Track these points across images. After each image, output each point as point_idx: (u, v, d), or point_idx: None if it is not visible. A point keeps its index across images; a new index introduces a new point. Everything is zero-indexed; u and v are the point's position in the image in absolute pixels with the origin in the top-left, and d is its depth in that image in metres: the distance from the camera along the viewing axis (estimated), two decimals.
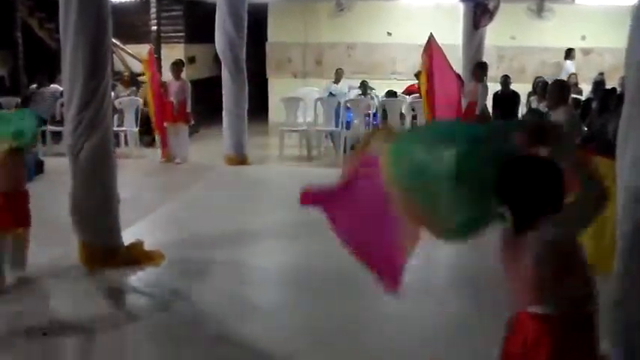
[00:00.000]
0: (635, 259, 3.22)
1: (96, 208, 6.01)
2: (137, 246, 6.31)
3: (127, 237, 6.42)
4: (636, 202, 3.17)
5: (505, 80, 12.38)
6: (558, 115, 7.43)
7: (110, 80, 6.10)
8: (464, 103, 10.35)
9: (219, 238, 7.12)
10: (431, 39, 9.96)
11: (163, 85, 11.35)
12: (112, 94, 11.27)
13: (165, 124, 11.21)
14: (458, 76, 10.46)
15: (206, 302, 5.41)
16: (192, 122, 11.70)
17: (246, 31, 10.75)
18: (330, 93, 12.81)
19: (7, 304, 5.31)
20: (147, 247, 6.41)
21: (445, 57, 10.06)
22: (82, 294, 5.60)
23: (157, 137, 11.58)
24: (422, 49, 10.14)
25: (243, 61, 10.85)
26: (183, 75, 11.58)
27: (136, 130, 12.00)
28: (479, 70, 10.66)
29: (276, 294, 5.89)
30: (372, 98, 12.43)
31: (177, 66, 11.44)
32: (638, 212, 3.17)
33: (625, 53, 3.25)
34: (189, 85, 11.49)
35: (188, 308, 5.30)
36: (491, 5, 11.52)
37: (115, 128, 11.09)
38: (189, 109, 11.31)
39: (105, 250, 6.08)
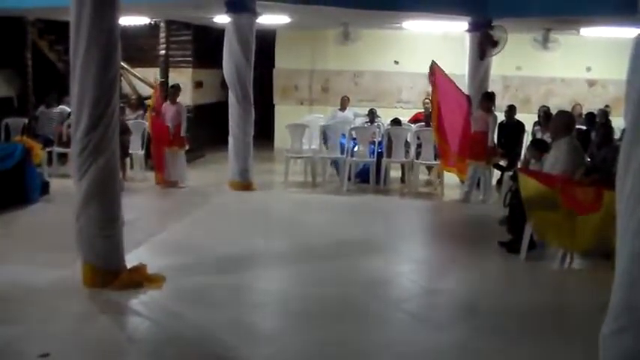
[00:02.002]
0: (636, 295, 3.21)
1: (100, 230, 6.03)
2: (140, 269, 6.32)
3: (131, 260, 6.42)
4: (635, 234, 3.17)
5: (510, 110, 12.44)
6: (560, 146, 7.48)
7: (118, 104, 6.13)
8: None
9: (222, 263, 7.14)
10: (433, 65, 10.13)
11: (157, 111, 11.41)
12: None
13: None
14: (467, 96, 10.53)
15: (207, 326, 5.40)
16: (187, 147, 11.66)
17: (253, 57, 10.81)
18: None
19: (7, 325, 5.31)
20: (149, 270, 6.41)
21: (450, 79, 10.22)
22: (83, 316, 5.60)
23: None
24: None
25: (249, 87, 10.90)
26: (189, 99, 11.66)
27: (142, 153, 12.07)
28: (487, 100, 10.73)
29: (278, 319, 5.88)
30: (378, 126, 12.48)
31: (174, 90, 11.53)
32: (635, 244, 3.17)
33: (626, 87, 3.29)
34: (185, 109, 11.58)
35: (189, 332, 5.29)
36: (496, 36, 11.60)
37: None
38: (183, 134, 11.32)
39: (108, 273, 6.09)
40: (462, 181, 11.06)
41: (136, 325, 5.53)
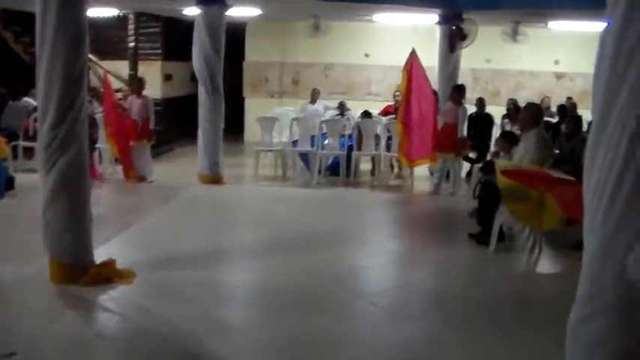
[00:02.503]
0: (603, 282, 3.26)
1: (68, 225, 5.95)
2: (109, 264, 6.26)
3: (100, 255, 6.36)
4: (601, 224, 3.22)
5: (480, 103, 12.53)
6: (529, 138, 7.54)
7: (86, 97, 6.05)
8: (440, 122, 10.47)
9: (191, 257, 7.08)
10: (413, 54, 10.16)
11: (120, 105, 11.30)
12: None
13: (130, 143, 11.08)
14: (434, 92, 10.60)
15: (177, 321, 5.36)
16: (154, 140, 11.59)
17: (223, 49, 10.73)
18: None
19: None
20: (119, 265, 6.35)
21: (424, 72, 10.26)
22: (50, 313, 5.54)
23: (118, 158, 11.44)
24: (399, 70, 10.34)
25: (220, 80, 10.82)
26: (158, 92, 11.56)
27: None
28: (457, 92, 10.78)
29: (248, 312, 5.84)
30: (348, 119, 12.48)
31: (139, 83, 11.42)
32: (602, 234, 3.22)
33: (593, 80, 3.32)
34: (152, 101, 11.47)
35: (159, 327, 5.25)
36: (466, 29, 11.65)
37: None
38: (152, 126, 11.23)
39: (76, 268, 6.01)
40: (432, 173, 11.11)
41: (106, 321, 5.47)
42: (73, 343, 4.97)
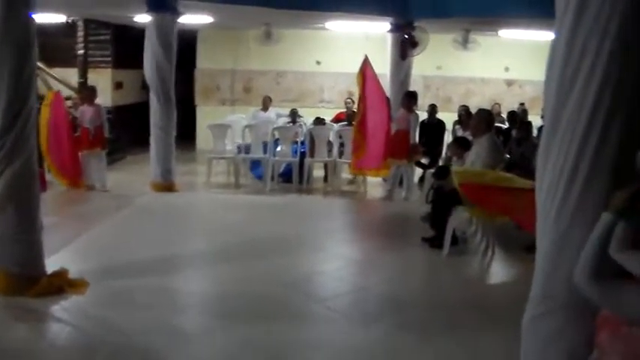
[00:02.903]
0: (555, 282, 3.33)
1: (16, 235, 5.83)
2: (60, 274, 6.16)
3: (52, 265, 6.25)
4: (553, 225, 3.30)
5: (432, 109, 12.68)
6: (481, 143, 7.65)
7: (35, 105, 5.95)
8: (392, 128, 10.55)
9: (144, 266, 6.99)
10: (365, 61, 10.26)
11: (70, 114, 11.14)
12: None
13: (80, 152, 10.89)
14: (387, 99, 10.70)
15: (131, 330, 5.29)
16: (107, 148, 11.44)
17: (175, 57, 10.65)
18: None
19: None
20: (71, 275, 6.26)
21: (377, 80, 10.36)
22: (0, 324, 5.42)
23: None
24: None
25: (171, 88, 10.72)
26: (109, 100, 11.41)
27: None
28: (409, 99, 10.87)
29: (204, 319, 5.79)
30: (301, 126, 12.50)
31: (91, 91, 11.28)
32: (554, 235, 3.30)
33: (543, 86, 3.40)
34: (104, 109, 11.32)
35: (113, 337, 5.17)
36: (417, 37, 11.77)
37: None
38: (106, 134, 11.09)
39: (26, 279, 5.89)
40: (385, 179, 11.18)
41: (58, 333, 5.37)
42: (24, 356, 4.87)
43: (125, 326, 5.38)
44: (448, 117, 13.33)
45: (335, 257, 7.68)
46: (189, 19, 11.68)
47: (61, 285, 6.05)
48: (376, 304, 6.32)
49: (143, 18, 10.89)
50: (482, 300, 6.41)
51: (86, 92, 11.30)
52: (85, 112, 11.00)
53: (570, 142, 3.22)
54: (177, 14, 10.57)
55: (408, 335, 5.41)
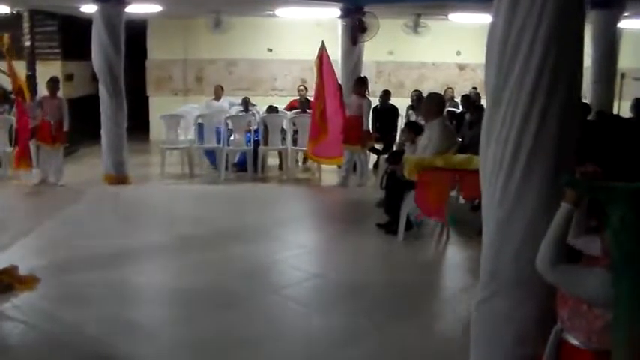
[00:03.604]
0: (502, 261, 3.37)
1: None
2: (10, 271, 6.06)
3: (1, 262, 6.17)
4: (498, 205, 3.34)
5: (385, 95, 12.71)
6: (433, 127, 7.69)
7: None
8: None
9: (97, 260, 6.91)
10: (322, 48, 10.30)
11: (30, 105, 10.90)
12: None
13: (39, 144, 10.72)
14: (339, 85, 10.73)
15: (85, 326, 5.24)
16: (67, 143, 11.25)
17: (123, 47, 10.49)
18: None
19: None
20: (21, 271, 6.16)
21: (332, 66, 10.40)
22: None
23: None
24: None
25: (121, 79, 10.56)
26: (60, 93, 11.18)
27: (10, 150, 11.52)
28: (360, 84, 10.88)
29: (160, 311, 5.78)
30: (254, 114, 12.44)
31: (53, 83, 11.02)
32: (499, 215, 3.34)
33: (484, 65, 3.44)
34: (66, 103, 11.09)
35: (67, 333, 5.12)
36: (367, 22, 11.77)
37: None
38: (66, 129, 10.83)
39: None
40: (339, 166, 11.20)
41: (9, 330, 5.28)
42: None
43: (78, 322, 5.33)
44: (401, 102, 13.39)
45: (291, 245, 7.68)
46: (138, 8, 11.51)
47: (11, 282, 5.95)
48: (332, 291, 6.32)
49: (90, 8, 10.69)
50: (437, 283, 6.49)
51: (50, 84, 10.97)
52: (48, 105, 10.75)
53: (511, 122, 3.27)
54: (124, 3, 10.39)
55: (365, 321, 5.44)
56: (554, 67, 3.17)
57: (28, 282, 6.03)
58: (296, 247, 7.65)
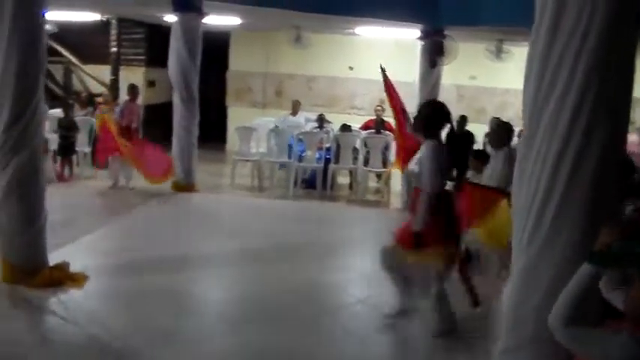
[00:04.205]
0: (525, 313, 3.16)
1: (19, 226, 5.92)
2: (61, 267, 6.21)
3: (59, 257, 6.34)
4: (525, 250, 3.14)
5: (462, 120, 12.47)
6: (498, 157, 7.47)
7: (42, 99, 5.99)
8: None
9: (154, 265, 6.97)
10: (383, 72, 10.18)
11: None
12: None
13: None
14: (403, 110, 10.60)
15: (124, 328, 5.30)
16: None
17: (199, 57, 10.67)
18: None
19: None
20: (76, 269, 6.30)
21: (394, 88, 10.30)
22: None
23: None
24: (382, 84, 10.32)
25: (195, 88, 10.73)
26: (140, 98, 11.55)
27: (89, 150, 11.91)
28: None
29: (206, 322, 5.72)
30: (327, 132, 12.43)
31: (133, 89, 11.37)
32: (526, 257, 3.15)
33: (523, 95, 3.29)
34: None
35: (103, 333, 5.16)
36: (446, 46, 11.61)
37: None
38: (139, 134, 11.22)
39: (27, 270, 5.97)
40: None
41: (50, 324, 5.41)
42: (13, 347, 4.88)
43: (118, 324, 5.38)
44: (480, 129, 13.10)
45: (344, 268, 7.55)
46: (217, 20, 11.72)
47: (61, 278, 6.10)
48: (376, 318, 6.15)
49: (171, 18, 10.95)
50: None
51: (130, 90, 11.37)
52: (128, 110, 11.17)
53: (544, 161, 3.07)
54: (202, 15, 10.59)
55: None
56: (595, 102, 2.95)
57: (78, 279, 6.17)
58: (348, 270, 7.52)
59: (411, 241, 5.17)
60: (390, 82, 10.28)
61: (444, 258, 5.27)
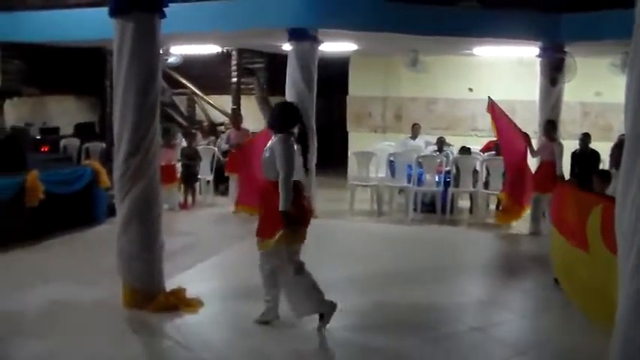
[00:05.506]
0: (633, 349, 2.93)
1: (138, 252, 6.17)
2: (177, 293, 6.40)
3: (178, 282, 6.57)
4: (631, 279, 2.92)
5: (584, 139, 11.97)
6: (617, 177, 7.11)
7: (158, 129, 6.23)
8: (535, 161, 10.18)
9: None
10: (489, 101, 10.11)
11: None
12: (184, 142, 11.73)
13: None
14: (524, 133, 10.37)
15: (231, 356, 5.39)
16: None
17: (315, 84, 10.78)
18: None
19: (36, 339, 5.49)
20: (194, 294, 6.48)
21: (506, 115, 10.14)
22: (114, 336, 5.70)
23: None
24: (504, 105, 10.21)
25: (311, 114, 10.79)
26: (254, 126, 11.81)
27: (211, 178, 12.29)
28: (550, 128, 10.43)
29: (324, 350, 5.75)
30: (447, 155, 12.27)
31: (236, 115, 11.69)
32: (632, 287, 2.92)
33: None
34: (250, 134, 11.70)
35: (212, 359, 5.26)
36: (566, 62, 11.24)
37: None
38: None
39: (145, 294, 6.21)
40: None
41: (164, 349, 5.56)
42: None
43: (227, 352, 5.47)
44: (607, 147, 12.53)
45: (459, 293, 7.37)
46: (333, 46, 11.83)
47: (177, 303, 6.28)
48: (493, 347, 5.95)
49: (288, 47, 11.15)
50: None
51: (232, 116, 11.72)
52: (234, 137, 11.42)
53: None
54: (317, 42, 10.71)
55: None
56: None
57: (193, 305, 6.33)
58: (463, 295, 7.32)
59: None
60: (499, 112, 10.14)
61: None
